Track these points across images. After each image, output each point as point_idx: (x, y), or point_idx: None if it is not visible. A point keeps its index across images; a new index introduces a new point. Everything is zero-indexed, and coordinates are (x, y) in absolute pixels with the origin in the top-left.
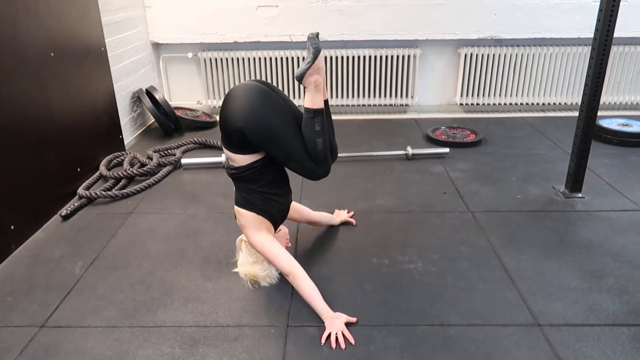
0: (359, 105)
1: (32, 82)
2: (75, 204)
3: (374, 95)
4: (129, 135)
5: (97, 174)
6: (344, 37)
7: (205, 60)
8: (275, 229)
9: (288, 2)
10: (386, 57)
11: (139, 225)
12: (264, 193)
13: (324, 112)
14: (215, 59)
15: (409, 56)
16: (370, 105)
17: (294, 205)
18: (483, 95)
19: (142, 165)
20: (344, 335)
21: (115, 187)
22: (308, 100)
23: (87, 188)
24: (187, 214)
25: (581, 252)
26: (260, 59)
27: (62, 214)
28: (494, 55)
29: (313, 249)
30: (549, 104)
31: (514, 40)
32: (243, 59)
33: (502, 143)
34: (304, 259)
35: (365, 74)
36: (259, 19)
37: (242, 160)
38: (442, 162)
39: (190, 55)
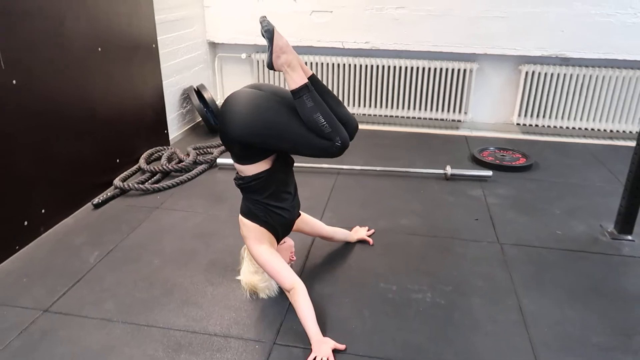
0: (407, 117)
1: (77, 75)
2: (108, 194)
3: (425, 109)
4: (175, 131)
5: (135, 166)
6: (397, 46)
7: (258, 61)
8: (278, 242)
9: (342, 8)
10: (440, 69)
11: (160, 221)
12: (268, 205)
13: (312, 88)
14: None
15: (464, 70)
16: (420, 118)
17: (305, 217)
18: (544, 116)
19: (180, 161)
20: None
21: (149, 181)
22: (289, 82)
23: (124, 180)
24: (209, 214)
25: (615, 303)
26: (312, 63)
27: (94, 203)
28: (558, 74)
29: (321, 265)
30: (616, 131)
31: (583, 60)
32: None
33: (555, 170)
34: (310, 274)
35: (417, 85)
36: (312, 24)
37: (248, 170)
38: (483, 185)
39: (243, 56)
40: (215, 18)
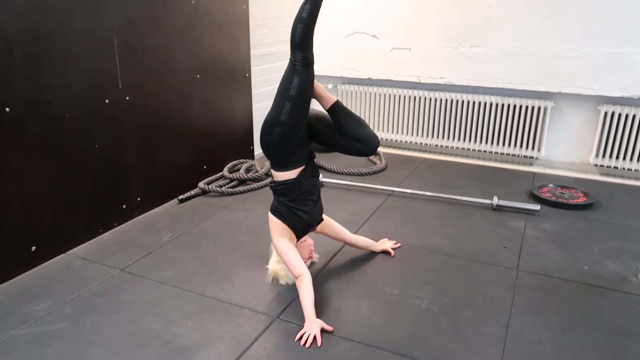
0: (479, 151)
1: (178, 96)
2: (192, 193)
3: (498, 143)
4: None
5: (219, 173)
6: (471, 82)
7: (343, 91)
8: (298, 239)
9: (420, 46)
10: (514, 106)
11: (225, 217)
12: (291, 207)
13: (319, 9)
14: (351, 91)
15: (539, 108)
16: (492, 152)
17: (330, 222)
18: (623, 158)
19: (255, 172)
20: (315, 338)
21: (227, 186)
22: None
23: (207, 183)
24: (264, 216)
25: (611, 337)
26: (390, 95)
27: (179, 198)
28: None
29: (341, 266)
30: None
31: None
32: (375, 94)
33: (616, 212)
34: (328, 271)
35: (491, 120)
36: (392, 60)
37: (278, 176)
38: (528, 218)
39: (330, 86)
40: None
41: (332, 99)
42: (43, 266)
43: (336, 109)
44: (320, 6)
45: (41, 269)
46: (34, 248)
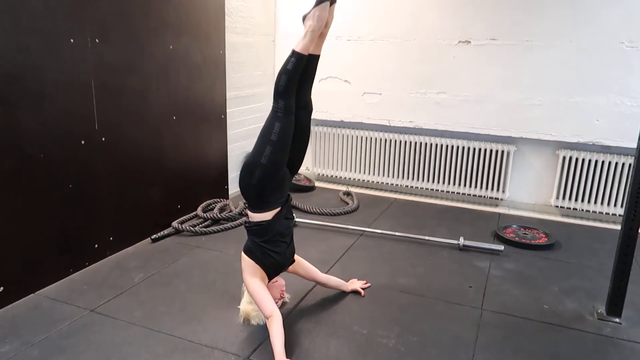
0: (447, 192)
1: (154, 136)
2: (165, 232)
3: (464, 185)
4: (235, 187)
5: (193, 212)
6: (438, 126)
7: (316, 133)
8: (270, 279)
9: (390, 91)
10: (479, 149)
11: (197, 257)
12: (265, 248)
13: (303, 59)
14: (325, 133)
15: (502, 151)
16: (458, 193)
17: (301, 262)
18: (582, 200)
19: (229, 211)
20: None
21: (200, 225)
22: (298, 40)
23: (180, 222)
24: (236, 256)
25: None
26: (361, 137)
27: (152, 237)
28: (596, 160)
29: (312, 305)
30: None
31: (622, 149)
32: (347, 136)
33: (574, 252)
34: (299, 311)
35: (457, 162)
36: (363, 103)
37: (254, 217)
38: (493, 258)
39: None
40: None
41: (318, 51)
42: (11, 307)
43: (310, 58)
44: (304, 61)
45: (8, 310)
46: (1, 288)
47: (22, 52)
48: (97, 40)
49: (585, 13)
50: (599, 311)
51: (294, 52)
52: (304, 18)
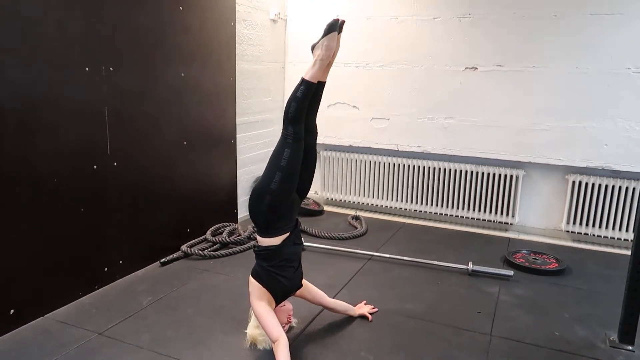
0: (456, 216)
1: (165, 161)
2: (174, 256)
3: (473, 209)
4: (244, 211)
5: (203, 236)
6: (446, 151)
7: (325, 157)
8: (277, 304)
9: (398, 116)
10: (488, 174)
11: (205, 281)
12: (272, 272)
13: (312, 87)
14: (333, 158)
15: (511, 176)
16: (467, 218)
17: (309, 286)
18: (593, 225)
19: (238, 235)
20: None
21: (209, 249)
22: (307, 69)
23: (190, 246)
24: (244, 280)
25: None
26: (370, 162)
27: (161, 261)
28: (606, 185)
29: (319, 330)
30: None
31: (632, 174)
32: (356, 160)
33: (586, 278)
34: (306, 336)
35: (466, 187)
36: (372, 129)
37: (262, 241)
38: (503, 284)
39: None
40: None
41: (324, 77)
42: (20, 330)
43: (318, 86)
44: (313, 89)
45: (17, 333)
46: (12, 311)
47: (38, 82)
48: (111, 68)
49: (590, 39)
50: (611, 338)
51: (303, 81)
52: (312, 47)
